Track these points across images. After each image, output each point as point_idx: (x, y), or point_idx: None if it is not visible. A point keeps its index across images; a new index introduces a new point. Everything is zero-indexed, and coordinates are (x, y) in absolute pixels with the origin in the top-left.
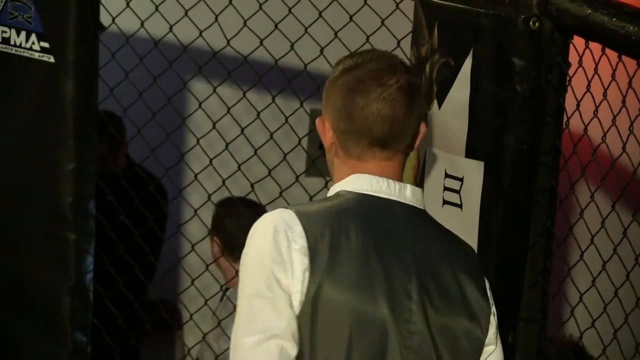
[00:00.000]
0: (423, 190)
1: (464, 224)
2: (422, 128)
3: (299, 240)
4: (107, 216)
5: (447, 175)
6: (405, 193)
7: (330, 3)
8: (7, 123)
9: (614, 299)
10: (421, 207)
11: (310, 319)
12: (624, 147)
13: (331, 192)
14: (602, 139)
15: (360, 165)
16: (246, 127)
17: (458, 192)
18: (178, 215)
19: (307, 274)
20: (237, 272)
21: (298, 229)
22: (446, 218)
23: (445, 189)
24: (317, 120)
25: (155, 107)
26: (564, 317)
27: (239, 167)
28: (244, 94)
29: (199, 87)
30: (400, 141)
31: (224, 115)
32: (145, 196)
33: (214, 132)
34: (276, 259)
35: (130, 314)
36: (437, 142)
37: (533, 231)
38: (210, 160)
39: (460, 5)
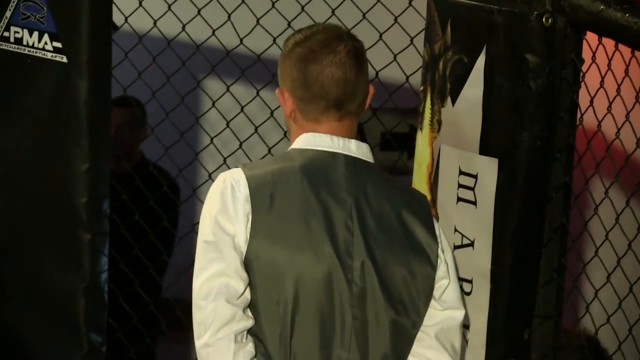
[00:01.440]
0: (437, 188)
1: (479, 221)
2: (370, 89)
3: (243, 190)
4: (120, 214)
5: (461, 173)
6: (349, 146)
7: (343, 1)
8: (21, 123)
9: (629, 295)
10: (368, 160)
11: (255, 256)
12: (638, 143)
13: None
14: (616, 134)
15: (315, 127)
16: (260, 125)
17: (472, 189)
18: (192, 214)
19: (249, 216)
20: None
21: (243, 181)
22: (460, 215)
23: (460, 186)
24: (277, 91)
25: (168, 107)
26: (579, 314)
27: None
28: (258, 93)
29: (213, 85)
30: (352, 102)
31: (238, 114)
32: (159, 195)
33: (227, 131)
34: (221, 207)
35: (145, 314)
36: (451, 139)
37: (548, 228)
38: (224, 159)
39: (473, 2)
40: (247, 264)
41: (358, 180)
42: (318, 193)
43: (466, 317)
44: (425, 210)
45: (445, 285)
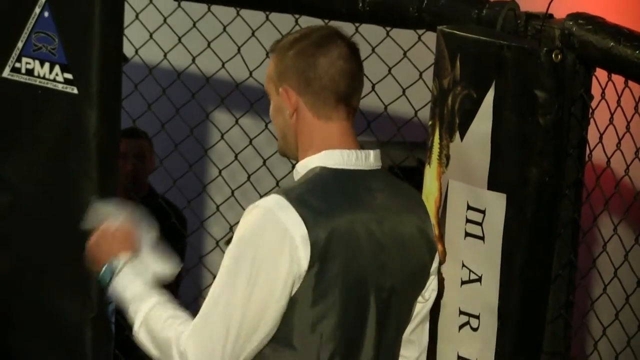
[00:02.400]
0: (445, 223)
1: (486, 257)
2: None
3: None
4: None
5: (469, 208)
6: (370, 160)
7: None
8: (31, 153)
9: (637, 333)
10: (380, 167)
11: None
12: None
13: (306, 165)
14: (625, 171)
15: (327, 126)
16: (268, 158)
17: (480, 224)
18: (200, 247)
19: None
20: None
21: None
22: (468, 250)
23: (468, 221)
24: (280, 90)
25: (177, 138)
26: (587, 351)
27: (260, 197)
28: (266, 125)
29: (221, 117)
30: (356, 96)
31: (247, 147)
32: (167, 230)
33: (235, 163)
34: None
35: None
36: (459, 174)
37: (556, 264)
38: (232, 191)
39: (482, 38)
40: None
41: (387, 198)
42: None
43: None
44: (426, 211)
45: (433, 279)
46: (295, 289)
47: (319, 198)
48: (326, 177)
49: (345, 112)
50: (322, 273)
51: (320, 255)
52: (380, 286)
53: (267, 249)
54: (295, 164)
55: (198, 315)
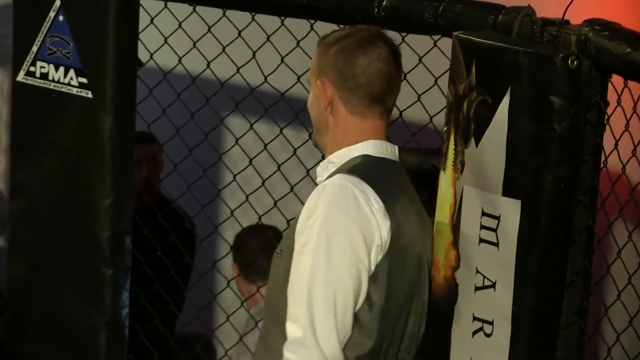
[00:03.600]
0: (459, 229)
1: (501, 263)
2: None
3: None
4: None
5: (483, 214)
6: (396, 153)
7: None
8: (45, 158)
9: None
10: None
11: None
12: None
13: (345, 155)
14: None
15: (361, 123)
16: (282, 163)
17: (495, 230)
18: (213, 251)
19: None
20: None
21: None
22: (482, 256)
23: (482, 227)
24: (317, 83)
25: (192, 143)
26: (600, 358)
27: (275, 203)
28: (281, 131)
29: (236, 123)
30: (392, 98)
31: (261, 152)
32: (176, 232)
33: (250, 168)
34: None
35: (165, 350)
36: (474, 180)
37: (570, 270)
38: (247, 197)
39: (498, 44)
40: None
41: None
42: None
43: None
44: None
45: None
46: (378, 260)
47: (378, 180)
48: (373, 164)
49: (379, 112)
50: (394, 247)
51: (395, 230)
52: (428, 260)
53: (355, 220)
54: (321, 158)
55: (294, 311)
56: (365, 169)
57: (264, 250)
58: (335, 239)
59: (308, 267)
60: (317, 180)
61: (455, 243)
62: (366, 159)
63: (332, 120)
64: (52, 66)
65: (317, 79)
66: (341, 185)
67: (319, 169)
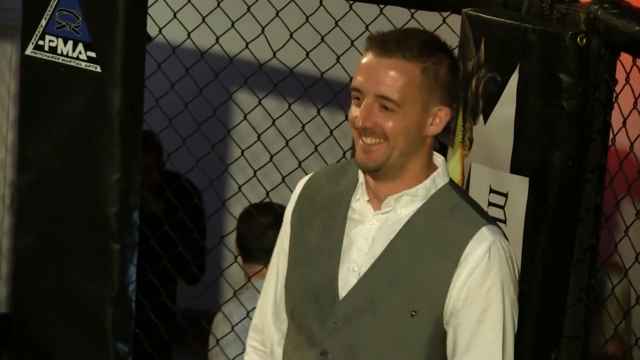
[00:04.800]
0: None
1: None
2: None
3: None
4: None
5: (491, 191)
6: None
7: (377, 16)
8: (54, 132)
9: None
10: None
11: None
12: None
13: (436, 183)
14: None
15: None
16: (291, 139)
17: (502, 207)
18: (221, 227)
19: None
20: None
21: None
22: None
23: (490, 204)
24: (438, 111)
25: (200, 118)
26: (607, 335)
27: (283, 179)
28: (289, 106)
29: (244, 98)
30: None
31: (269, 127)
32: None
33: (258, 144)
34: None
35: (171, 325)
36: (482, 157)
37: (577, 248)
38: (255, 172)
39: (507, 21)
40: None
41: None
42: None
43: None
44: None
45: None
46: None
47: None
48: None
49: None
50: None
51: None
52: None
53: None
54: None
55: None
56: (480, 207)
57: (271, 230)
58: (514, 308)
59: (499, 337)
60: (387, 210)
61: None
62: (455, 186)
63: (426, 145)
64: (60, 40)
65: (435, 105)
66: (504, 245)
67: (392, 201)
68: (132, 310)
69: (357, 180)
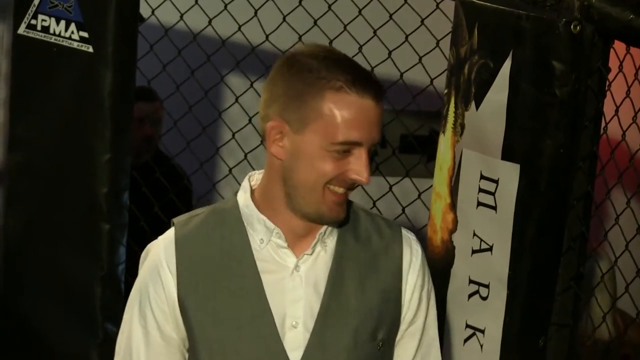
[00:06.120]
0: (458, 191)
1: (498, 226)
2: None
3: None
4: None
5: (482, 177)
6: None
7: (370, 1)
8: (45, 111)
9: None
10: None
11: None
12: None
13: None
14: None
15: None
16: None
17: (493, 194)
18: None
19: None
20: None
21: None
22: (480, 219)
23: (480, 190)
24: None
25: (191, 100)
26: (596, 323)
27: None
28: None
29: (236, 81)
30: None
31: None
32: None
33: (249, 127)
34: None
35: None
36: (474, 143)
37: (567, 236)
38: (245, 155)
39: (501, 7)
40: None
41: None
42: None
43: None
44: None
45: None
46: None
47: None
48: None
49: None
50: None
51: None
52: None
53: None
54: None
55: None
56: (366, 209)
57: None
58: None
59: (436, 330)
60: (316, 248)
61: (453, 206)
62: None
63: None
64: (53, 19)
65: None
66: (412, 234)
67: (322, 236)
68: (121, 291)
69: (243, 229)
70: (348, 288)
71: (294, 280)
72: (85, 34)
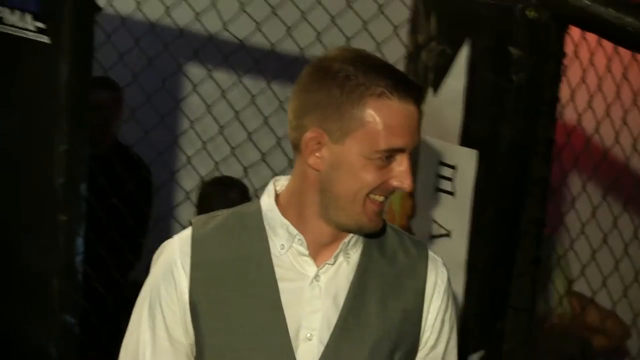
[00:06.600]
0: (416, 178)
1: (456, 212)
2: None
3: None
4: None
5: (440, 163)
6: None
7: None
8: (1, 103)
9: (602, 288)
10: None
11: None
12: (616, 139)
13: None
14: (595, 129)
15: None
16: (240, 111)
17: (451, 180)
18: (170, 198)
19: None
20: None
21: None
22: (439, 205)
23: (439, 176)
24: None
25: (149, 90)
26: (553, 306)
27: (232, 151)
28: (240, 79)
29: (195, 71)
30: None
31: (218, 99)
32: (134, 178)
33: (208, 117)
34: None
35: (119, 297)
36: (432, 130)
37: (524, 220)
38: (204, 144)
39: None
40: None
41: None
42: None
43: None
44: None
45: None
46: None
47: None
48: None
49: None
50: None
51: None
52: None
53: None
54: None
55: None
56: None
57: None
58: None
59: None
60: (339, 258)
61: (412, 192)
62: None
63: None
64: (7, 10)
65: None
66: (439, 256)
67: (345, 246)
68: (79, 282)
69: (263, 233)
70: (369, 303)
71: (313, 290)
72: (41, 25)
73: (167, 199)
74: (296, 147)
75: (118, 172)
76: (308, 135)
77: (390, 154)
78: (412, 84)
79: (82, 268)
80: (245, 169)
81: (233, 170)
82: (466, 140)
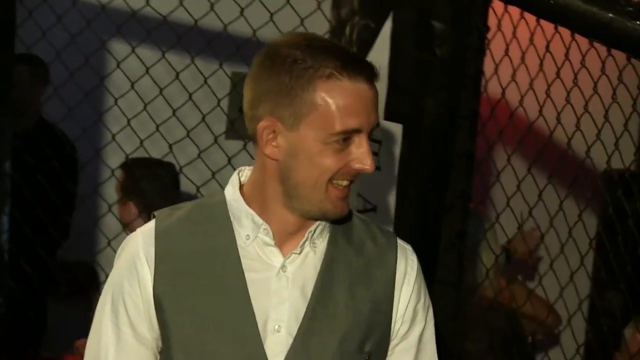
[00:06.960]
0: None
1: (382, 186)
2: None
3: None
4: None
5: None
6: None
7: None
8: None
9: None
10: None
11: None
12: (540, 111)
13: None
14: (519, 102)
15: None
16: (164, 88)
17: (376, 154)
18: (96, 176)
19: None
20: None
21: None
22: (364, 180)
23: None
24: None
25: (73, 67)
26: (478, 279)
27: (157, 128)
28: (164, 55)
29: (118, 47)
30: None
31: (143, 76)
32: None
33: (133, 94)
34: None
35: (46, 276)
36: None
37: (450, 194)
38: (128, 121)
39: None
40: None
41: None
42: None
43: None
44: None
45: None
46: None
47: None
48: None
49: None
50: None
51: None
52: None
53: None
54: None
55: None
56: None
57: (161, 189)
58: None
59: (434, 343)
60: (305, 248)
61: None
62: None
63: None
64: None
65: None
66: (408, 245)
67: (313, 235)
68: (5, 261)
69: (229, 224)
70: (337, 293)
71: (280, 280)
72: None
73: (93, 176)
74: (253, 139)
75: (42, 149)
76: (262, 124)
77: (347, 136)
78: (363, 63)
79: (8, 247)
80: (170, 147)
81: (159, 147)
82: (391, 114)
